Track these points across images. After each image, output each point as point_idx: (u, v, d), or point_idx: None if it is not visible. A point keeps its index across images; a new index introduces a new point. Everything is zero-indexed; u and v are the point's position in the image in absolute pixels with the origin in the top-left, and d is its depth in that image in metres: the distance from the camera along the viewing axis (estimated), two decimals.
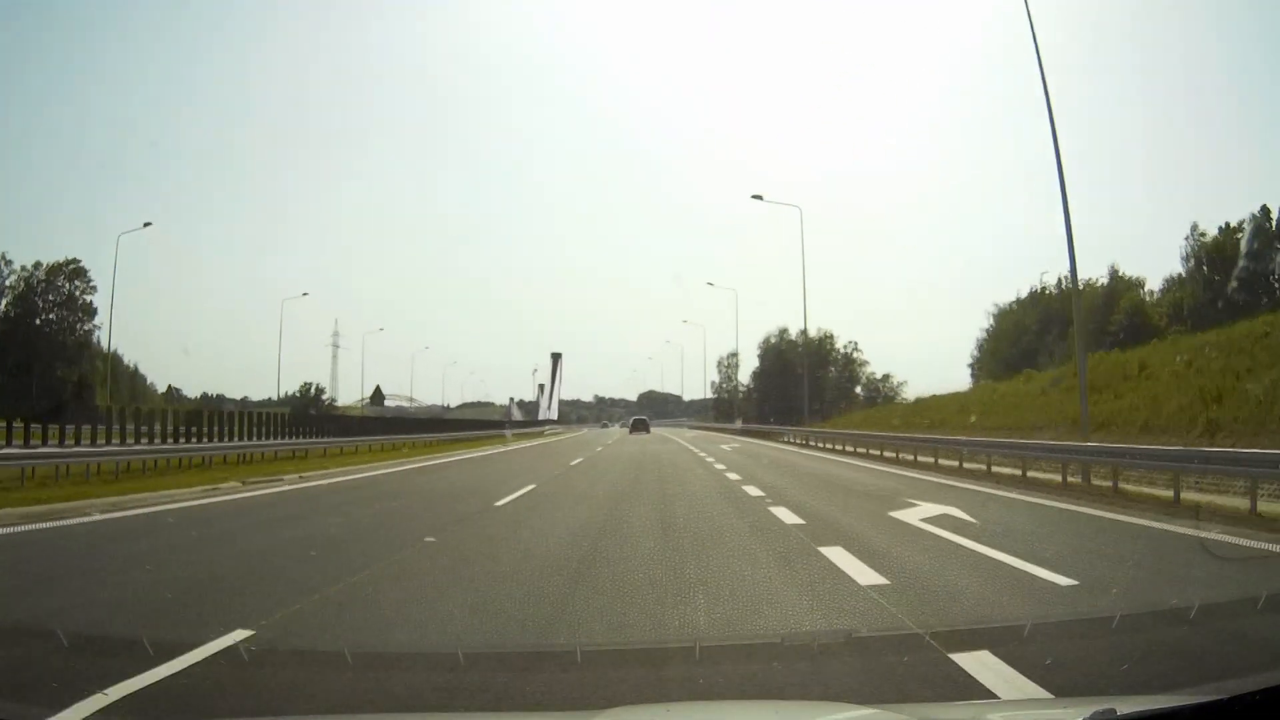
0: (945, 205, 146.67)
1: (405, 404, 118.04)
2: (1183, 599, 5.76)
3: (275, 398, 68.74)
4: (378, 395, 49.27)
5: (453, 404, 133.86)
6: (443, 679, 4.46)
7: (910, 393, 78.64)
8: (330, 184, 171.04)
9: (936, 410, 39.09)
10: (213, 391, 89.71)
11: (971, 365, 68.74)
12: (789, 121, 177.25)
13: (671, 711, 3.43)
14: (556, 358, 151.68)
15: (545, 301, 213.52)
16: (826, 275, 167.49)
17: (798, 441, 39.12)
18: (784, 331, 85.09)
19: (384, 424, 43.63)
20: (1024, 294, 63.46)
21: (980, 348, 68.29)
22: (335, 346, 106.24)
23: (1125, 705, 2.56)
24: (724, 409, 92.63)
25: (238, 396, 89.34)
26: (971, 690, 4.00)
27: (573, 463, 25.84)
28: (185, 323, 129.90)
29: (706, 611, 5.87)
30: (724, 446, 36.13)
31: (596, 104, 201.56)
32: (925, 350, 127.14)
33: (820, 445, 34.25)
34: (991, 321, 65.86)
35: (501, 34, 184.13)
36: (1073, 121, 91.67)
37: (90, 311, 70.01)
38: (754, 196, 43.22)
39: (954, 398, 42.92)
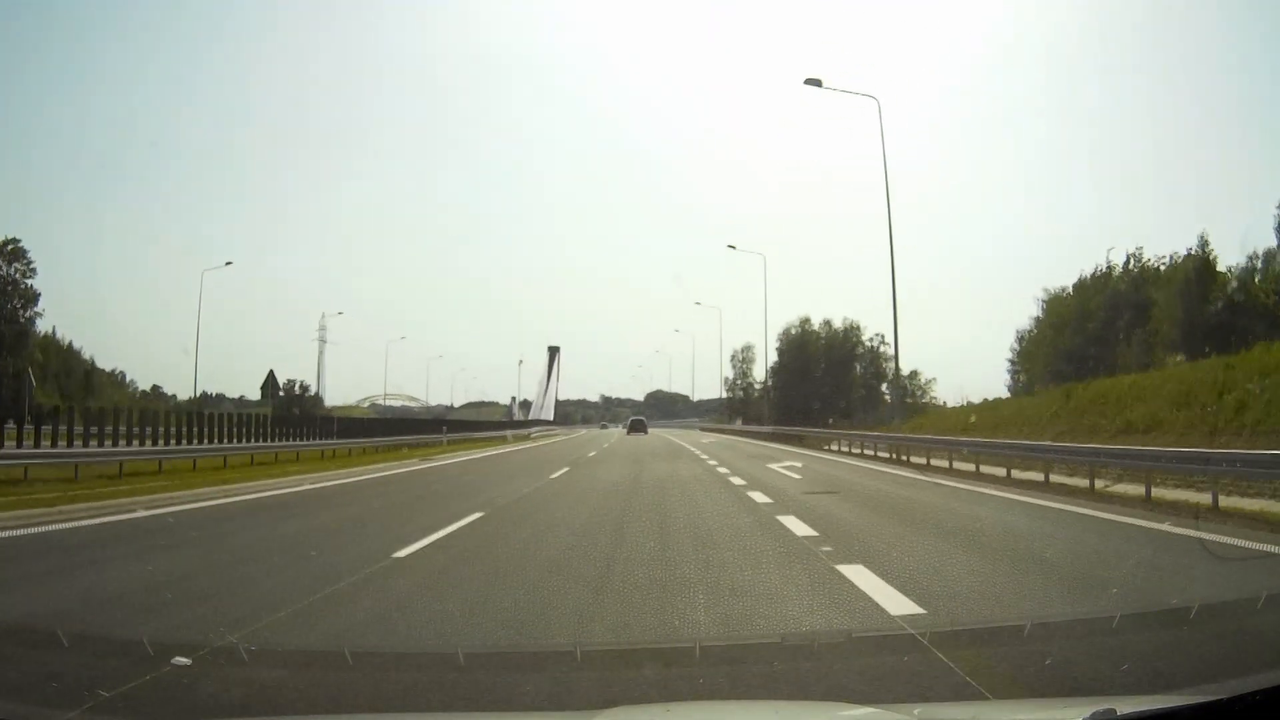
0: (945, 205, 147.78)
1: (410, 404, 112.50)
2: None
3: (191, 391, 61.44)
4: (270, 384, 41.94)
5: (457, 404, 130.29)
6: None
7: (939, 391, 70.79)
8: (330, 184, 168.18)
9: (1118, 404, 24.80)
10: (213, 391, 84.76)
11: (1013, 360, 60.58)
12: (789, 121, 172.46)
13: (671, 711, 3.48)
14: (554, 352, 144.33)
15: (546, 301, 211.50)
16: (826, 273, 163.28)
17: (884, 455, 28.28)
18: (805, 321, 76.57)
19: (339, 426, 37.47)
20: (1086, 275, 55.33)
21: (1024, 340, 60.09)
22: (321, 341, 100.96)
23: (1125, 705, 2.58)
24: (739, 409, 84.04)
25: (235, 395, 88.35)
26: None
27: (408, 550, 8.82)
28: (185, 322, 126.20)
29: None
30: (779, 469, 22.76)
31: (596, 104, 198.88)
32: (926, 350, 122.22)
33: (922, 462, 23.83)
34: (1040, 311, 57.39)
35: (502, 33, 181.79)
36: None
37: (32, 297, 62.61)
38: (808, 81, 35.31)
39: (1140, 382, 26.63)
